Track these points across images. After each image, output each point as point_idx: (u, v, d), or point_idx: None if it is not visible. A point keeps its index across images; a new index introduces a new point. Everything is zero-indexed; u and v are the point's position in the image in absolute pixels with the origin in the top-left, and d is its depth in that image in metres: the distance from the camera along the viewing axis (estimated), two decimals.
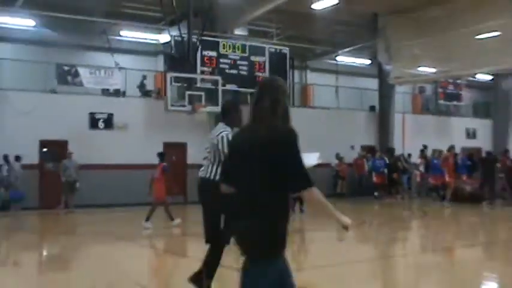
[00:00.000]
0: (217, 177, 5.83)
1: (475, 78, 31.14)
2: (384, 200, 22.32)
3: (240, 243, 3.54)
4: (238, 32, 23.13)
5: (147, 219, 13.69)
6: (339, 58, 27.27)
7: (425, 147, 23.79)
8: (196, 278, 6.19)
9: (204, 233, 6.19)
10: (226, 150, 5.70)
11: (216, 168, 6.07)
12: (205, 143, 6.41)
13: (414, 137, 26.21)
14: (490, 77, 31.34)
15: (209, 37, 20.93)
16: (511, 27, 21.55)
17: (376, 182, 23.07)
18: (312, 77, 27.81)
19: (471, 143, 29.05)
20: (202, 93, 19.41)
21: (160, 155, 14.97)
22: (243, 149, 3.57)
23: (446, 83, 30.42)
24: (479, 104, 33.49)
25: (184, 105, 19.00)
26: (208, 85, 20.03)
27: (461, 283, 7.84)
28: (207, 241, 6.17)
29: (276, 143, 3.45)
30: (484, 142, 29.96)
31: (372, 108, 26.94)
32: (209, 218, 6.15)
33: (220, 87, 19.90)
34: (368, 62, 27.83)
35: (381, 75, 26.07)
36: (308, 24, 23.70)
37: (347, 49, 26.22)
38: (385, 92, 26.14)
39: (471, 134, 30.84)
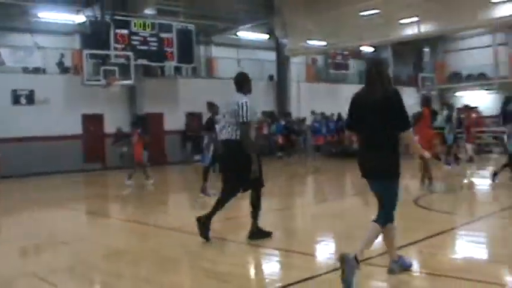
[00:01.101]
0: (239, 137, 7.47)
1: (359, 49, 36.06)
2: (286, 159, 25.65)
3: (370, 168, 5.50)
4: (148, 11, 25.84)
5: (129, 178, 16.60)
6: (240, 33, 30.67)
7: (312, 112, 28.19)
8: (257, 234, 7.64)
9: (238, 184, 7.60)
10: (247, 114, 7.37)
11: (237, 130, 7.48)
12: (223, 111, 7.85)
13: (308, 102, 30.43)
14: (372, 49, 36.26)
15: (121, 17, 23.88)
16: (390, 6, 26.22)
17: (281, 143, 26.77)
18: (216, 51, 31.13)
19: None
20: (116, 68, 22.74)
21: (134, 124, 18.43)
22: (368, 104, 5.43)
23: (335, 54, 34.87)
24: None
25: (99, 80, 22.21)
26: (122, 60, 23.23)
27: (349, 227, 8.69)
28: (245, 189, 7.65)
29: (388, 99, 5.38)
30: None
31: (271, 77, 31.03)
32: (241, 170, 7.44)
33: (132, 62, 23.25)
34: (266, 36, 31.43)
35: (278, 48, 30.29)
36: (211, 2, 27.09)
37: (247, 25, 29.79)
38: (282, 63, 30.34)
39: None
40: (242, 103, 7.43)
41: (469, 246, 6.93)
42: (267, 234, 7.68)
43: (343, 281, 5.03)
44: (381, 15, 26.83)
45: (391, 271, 5.65)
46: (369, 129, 5.46)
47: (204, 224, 7.60)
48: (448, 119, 18.23)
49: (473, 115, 22.72)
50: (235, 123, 7.46)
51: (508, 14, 26.09)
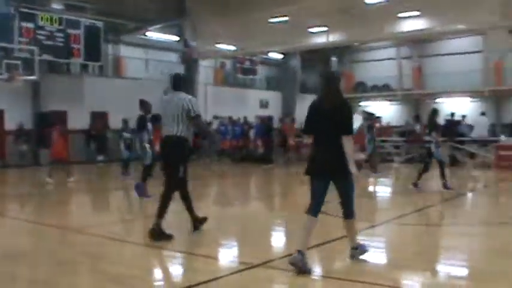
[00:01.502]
0: (183, 133, 7.98)
1: (268, 56, 37.07)
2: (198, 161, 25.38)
3: (324, 170, 6.37)
4: (55, 5, 25.71)
5: (49, 176, 16.45)
6: (149, 34, 30.66)
7: (215, 117, 28.75)
8: (157, 233, 7.81)
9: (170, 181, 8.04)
10: (197, 108, 8.00)
11: (182, 127, 7.97)
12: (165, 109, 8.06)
13: (215, 106, 31.06)
14: (280, 56, 37.38)
15: (27, 9, 23.57)
16: (299, 14, 27.24)
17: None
18: (125, 50, 30.89)
19: (264, 112, 34.21)
20: (19, 62, 22.42)
21: (48, 122, 18.56)
22: (323, 112, 6.42)
23: (244, 59, 35.70)
24: (271, 78, 39.50)
25: (1, 73, 21.88)
26: (26, 55, 22.92)
27: (252, 230, 9.17)
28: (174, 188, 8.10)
29: (341, 107, 6.43)
30: (275, 111, 35.89)
31: None
32: (172, 164, 8.02)
33: (36, 57, 22.88)
34: (176, 38, 31.49)
35: (187, 50, 30.70)
36: (121, 1, 27.33)
37: (157, 26, 29.99)
38: (190, 65, 30.77)
39: (264, 104, 36.83)
40: (190, 99, 8.04)
41: (369, 251, 7.13)
42: (167, 237, 7.85)
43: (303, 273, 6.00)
44: (290, 23, 27.75)
45: (353, 256, 6.67)
46: (326, 134, 6.40)
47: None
48: (369, 128, 18.84)
49: (377, 124, 23.98)
50: (180, 120, 7.92)
51: (412, 29, 27.72)
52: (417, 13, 27.08)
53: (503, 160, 20.61)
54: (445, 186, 13.68)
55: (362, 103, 41.24)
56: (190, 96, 8.17)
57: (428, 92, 38.29)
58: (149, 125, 12.77)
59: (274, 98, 37.65)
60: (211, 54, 31.77)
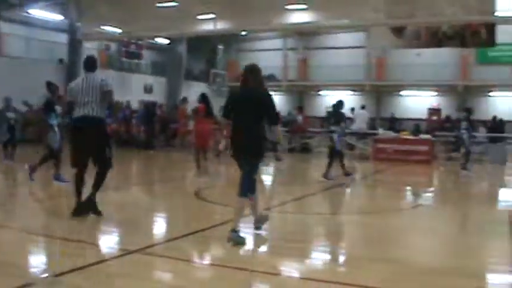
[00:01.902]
0: (101, 114, 8.20)
1: (154, 40, 36.63)
2: None
3: (240, 152, 7.08)
4: None
5: None
6: (32, 11, 29.33)
7: None
8: (88, 206, 8.10)
9: (88, 158, 8.22)
10: (110, 85, 8.28)
11: (100, 108, 8.15)
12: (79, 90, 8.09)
13: None
14: (167, 41, 37.02)
15: None
16: (188, 0, 27.11)
17: None
18: (5, 27, 28.90)
19: (148, 97, 33.73)
20: None
21: None
22: (243, 100, 7.15)
23: (129, 43, 34.88)
24: (156, 63, 38.98)
25: None
26: None
27: (131, 215, 9.23)
28: (95, 164, 8.27)
29: (261, 98, 7.12)
30: (159, 97, 35.39)
31: (61, 61, 30.33)
32: (98, 145, 8.19)
33: None
34: (60, 17, 30.41)
35: (71, 30, 29.69)
36: None
37: (41, 3, 28.76)
38: (74, 46, 29.81)
39: (148, 89, 36.30)
40: (105, 79, 8.37)
41: (247, 238, 7.25)
42: (99, 213, 8.19)
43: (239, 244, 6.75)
44: (178, 9, 27.54)
45: (257, 228, 7.47)
46: (245, 121, 7.06)
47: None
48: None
49: None
50: (97, 100, 8.09)
51: (299, 21, 28.25)
52: (304, 6, 27.62)
53: (380, 153, 21.52)
54: (333, 176, 14.36)
55: None
56: (103, 76, 8.52)
57: (312, 84, 39.26)
58: (58, 108, 12.20)
59: (159, 83, 37.20)
60: (96, 36, 30.97)
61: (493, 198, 13.49)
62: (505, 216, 9.87)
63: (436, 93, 37.58)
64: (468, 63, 35.73)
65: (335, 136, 14.55)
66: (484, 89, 36.13)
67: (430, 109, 36.38)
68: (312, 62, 39.34)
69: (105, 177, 8.31)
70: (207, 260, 6.53)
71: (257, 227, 7.56)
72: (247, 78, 7.24)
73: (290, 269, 6.14)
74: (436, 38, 27.40)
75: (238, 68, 41.69)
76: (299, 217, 9.64)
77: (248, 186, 7.11)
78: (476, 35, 26.95)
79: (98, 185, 8.24)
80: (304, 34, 39.28)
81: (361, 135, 23.98)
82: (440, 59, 34.08)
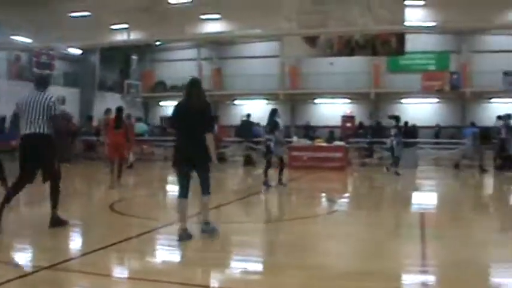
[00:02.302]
0: (49, 130, 8.33)
1: (66, 51, 35.74)
2: None
3: (192, 157, 7.73)
4: None
5: None
6: None
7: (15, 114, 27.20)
8: (56, 221, 8.45)
9: (42, 174, 8.44)
10: (58, 109, 8.40)
11: (48, 124, 8.29)
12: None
13: (9, 102, 29.13)
14: (79, 51, 36.19)
15: None
16: (101, 10, 26.73)
17: None
18: None
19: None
20: None
21: None
22: (188, 111, 7.80)
23: (40, 53, 33.43)
24: (69, 74, 37.92)
25: None
26: None
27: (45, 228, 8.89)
28: (45, 180, 8.49)
29: (204, 108, 7.88)
30: (72, 108, 34.42)
31: None
32: (46, 161, 8.35)
33: None
34: None
35: None
36: None
37: None
38: None
39: (61, 101, 35.07)
40: (54, 101, 8.39)
41: (164, 250, 7.46)
42: (64, 223, 8.57)
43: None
44: (91, 19, 27.15)
45: (204, 231, 8.00)
46: (191, 130, 7.80)
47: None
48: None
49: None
50: (45, 117, 8.26)
51: (213, 31, 28.35)
52: (218, 16, 27.76)
53: (295, 160, 21.74)
54: (280, 181, 15.07)
55: (162, 103, 41.50)
56: (52, 96, 8.52)
57: (227, 93, 39.39)
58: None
59: (71, 94, 36.27)
60: (5, 46, 29.96)
61: (406, 202, 13.90)
62: (416, 219, 10.22)
63: (349, 100, 38.52)
64: (380, 72, 36.82)
65: (271, 144, 14.91)
66: (396, 96, 37.31)
67: (343, 116, 37.21)
68: (227, 72, 39.52)
69: (59, 188, 8.53)
70: (124, 274, 6.40)
71: (204, 230, 8.02)
72: (190, 91, 7.99)
73: (207, 280, 6.15)
74: (349, 47, 27.85)
75: (152, 79, 41.47)
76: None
77: (206, 187, 7.95)
78: (386, 44, 27.58)
79: (55, 199, 8.50)
80: (218, 44, 39.46)
81: None
82: (353, 67, 34.99)
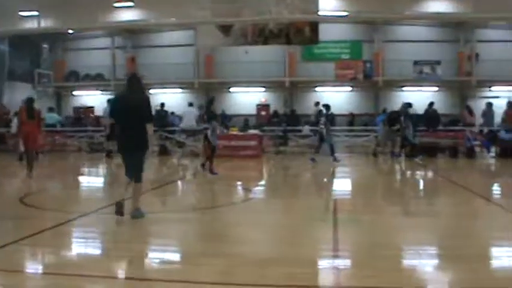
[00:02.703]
0: None
1: None
2: None
3: (130, 146, 8.49)
4: None
5: None
6: None
7: None
8: None
9: None
10: None
11: None
12: None
13: None
14: None
15: None
16: None
17: None
18: None
19: None
20: None
21: None
22: (127, 103, 8.48)
23: None
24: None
25: None
26: None
27: None
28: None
29: (143, 101, 8.55)
30: None
31: None
32: None
33: None
34: None
35: None
36: None
37: None
38: None
39: None
40: None
41: (79, 242, 7.33)
42: None
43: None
44: None
45: (134, 216, 8.47)
46: (130, 121, 8.47)
47: None
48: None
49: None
50: None
51: (127, 19, 27.92)
52: (131, 4, 27.36)
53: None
54: (211, 171, 15.36)
55: (75, 92, 40.61)
56: None
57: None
58: None
59: None
60: None
61: (320, 188, 14.19)
62: (330, 205, 10.48)
63: (264, 89, 38.80)
64: (294, 60, 37.28)
65: (209, 133, 15.41)
66: (310, 85, 37.89)
67: (258, 105, 37.48)
68: (141, 61, 38.98)
69: None
70: (37, 269, 6.20)
71: (133, 216, 8.50)
72: (132, 84, 8.82)
73: (125, 271, 6.08)
74: (263, 36, 28.28)
75: (65, 68, 40.43)
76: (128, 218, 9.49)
77: (138, 174, 8.63)
78: (300, 33, 28.16)
79: None
80: (132, 32, 38.86)
81: (190, 133, 24.13)
82: (268, 56, 35.31)
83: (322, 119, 19.69)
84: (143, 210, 8.64)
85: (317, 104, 21.35)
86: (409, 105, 20.97)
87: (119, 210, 8.30)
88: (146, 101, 8.70)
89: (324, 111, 20.13)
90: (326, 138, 19.50)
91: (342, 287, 5.51)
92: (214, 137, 15.61)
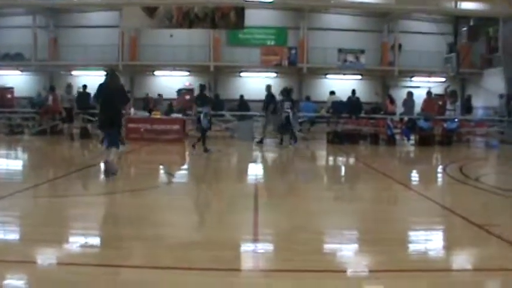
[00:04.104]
0: None
1: None
2: None
3: (105, 123, 11.67)
4: None
5: None
6: None
7: None
8: None
9: None
10: None
11: None
12: None
13: None
14: None
15: None
16: None
17: None
18: None
19: None
20: None
21: None
22: (108, 89, 11.56)
23: None
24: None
25: None
26: None
27: None
28: None
29: (119, 88, 11.97)
30: None
31: None
32: None
33: None
34: None
35: None
36: None
37: None
38: None
39: None
40: None
41: None
42: None
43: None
44: None
45: (105, 170, 11.49)
46: (108, 102, 11.51)
47: None
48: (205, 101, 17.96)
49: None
50: None
51: None
52: None
53: (132, 132, 21.42)
54: (206, 150, 16.85)
55: None
56: None
57: (64, 64, 37.88)
58: None
59: None
60: None
61: (242, 173, 14.21)
62: (251, 190, 10.50)
63: (188, 73, 38.52)
64: (219, 45, 37.16)
65: (201, 116, 16.89)
66: (235, 70, 37.88)
67: (180, 89, 37.07)
68: (64, 41, 37.98)
69: None
70: None
71: (105, 169, 11.52)
72: (111, 77, 11.86)
73: (45, 256, 5.86)
74: (188, 20, 28.08)
75: None
76: (51, 200, 9.27)
77: (113, 142, 11.53)
78: (226, 18, 28.13)
79: None
80: (55, 11, 37.75)
81: None
82: (193, 40, 35.11)
83: (287, 104, 20.06)
84: (113, 163, 11.36)
85: (269, 87, 21.30)
86: (291, 90, 21.79)
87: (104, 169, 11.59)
88: (121, 88, 12.15)
89: (286, 96, 20.56)
90: (292, 122, 20.11)
91: (262, 270, 5.50)
92: (206, 120, 16.99)
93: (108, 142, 11.58)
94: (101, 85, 11.67)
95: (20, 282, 5.06)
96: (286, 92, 20.67)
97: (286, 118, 19.97)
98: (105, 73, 12.14)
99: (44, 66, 37.78)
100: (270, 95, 21.53)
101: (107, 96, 11.45)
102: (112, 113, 11.51)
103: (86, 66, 36.81)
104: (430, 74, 36.84)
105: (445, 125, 22.58)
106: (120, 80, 12.40)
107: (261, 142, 21.10)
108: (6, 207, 8.22)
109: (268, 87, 21.78)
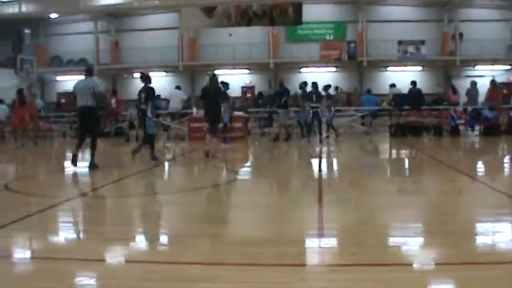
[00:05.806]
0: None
1: None
2: None
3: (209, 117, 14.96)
4: None
5: None
6: None
7: None
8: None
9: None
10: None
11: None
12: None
13: None
14: None
15: None
16: None
17: None
18: None
19: None
20: None
21: None
22: (209, 92, 14.93)
23: None
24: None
25: None
26: None
27: None
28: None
29: (217, 90, 15.68)
30: None
31: None
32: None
33: None
34: None
35: None
36: None
37: None
38: None
39: None
40: None
41: (64, 226, 7.25)
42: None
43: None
44: None
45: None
46: (210, 101, 14.58)
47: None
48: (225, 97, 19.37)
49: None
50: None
51: (109, 3, 27.69)
52: None
53: (194, 132, 21.68)
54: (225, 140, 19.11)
55: (59, 78, 40.27)
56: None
57: (125, 67, 38.68)
58: None
59: None
60: None
61: (305, 169, 14.24)
62: (314, 185, 10.52)
63: (248, 71, 38.72)
64: (278, 42, 37.22)
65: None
66: (295, 66, 37.87)
67: (243, 87, 37.41)
68: (125, 45, 38.80)
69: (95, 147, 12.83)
70: (25, 254, 6.06)
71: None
72: (212, 81, 15.09)
73: (115, 254, 5.97)
74: (246, 18, 28.21)
75: (47, 53, 40.08)
76: (117, 200, 9.50)
77: (213, 132, 14.69)
78: (284, 14, 28.12)
79: (92, 149, 12.88)
80: (115, 16, 38.60)
81: (176, 116, 24.08)
82: (252, 38, 35.25)
83: (328, 101, 21.57)
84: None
85: (305, 84, 21.36)
86: (305, 83, 21.78)
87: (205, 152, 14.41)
88: (220, 90, 15.77)
89: (323, 92, 21.47)
90: (330, 118, 21.52)
91: (328, 265, 5.54)
92: (226, 114, 18.95)
93: (211, 133, 14.42)
94: (204, 88, 14.73)
95: (91, 281, 5.15)
96: (315, 87, 20.96)
97: (314, 114, 20.28)
98: (208, 78, 15.28)
99: (106, 70, 38.66)
100: (282, 90, 21.76)
101: (209, 96, 14.48)
102: (213, 109, 14.44)
103: (146, 68, 37.44)
104: (493, 62, 35.98)
105: (511, 113, 22.07)
106: (218, 83, 15.36)
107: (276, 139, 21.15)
108: (70, 209, 8.52)
109: (280, 82, 22.76)
